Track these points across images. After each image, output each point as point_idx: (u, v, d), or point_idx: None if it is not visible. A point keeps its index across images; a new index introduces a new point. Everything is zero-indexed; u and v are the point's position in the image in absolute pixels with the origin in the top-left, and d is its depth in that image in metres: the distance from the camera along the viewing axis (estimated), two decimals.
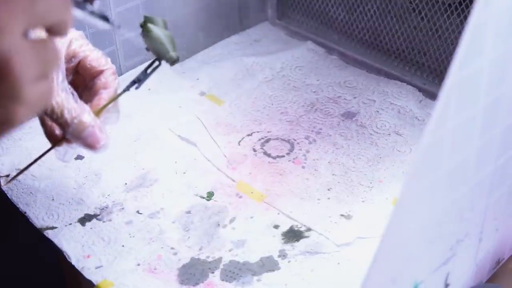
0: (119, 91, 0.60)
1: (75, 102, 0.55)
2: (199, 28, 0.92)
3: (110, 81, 0.60)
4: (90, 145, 0.56)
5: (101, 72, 0.60)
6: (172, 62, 0.57)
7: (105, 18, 0.44)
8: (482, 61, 0.39)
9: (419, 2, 0.80)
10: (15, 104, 0.34)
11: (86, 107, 0.56)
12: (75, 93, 0.56)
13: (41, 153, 0.60)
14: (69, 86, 0.56)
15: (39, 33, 0.37)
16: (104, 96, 0.59)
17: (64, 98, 0.54)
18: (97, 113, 0.57)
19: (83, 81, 0.61)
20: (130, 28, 0.58)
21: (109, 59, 0.61)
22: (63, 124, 0.54)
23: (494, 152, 0.46)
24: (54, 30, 0.37)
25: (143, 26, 0.56)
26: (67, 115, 0.54)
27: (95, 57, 0.60)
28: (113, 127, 0.61)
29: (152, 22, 0.56)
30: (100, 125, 0.56)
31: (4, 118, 0.35)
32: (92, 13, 0.43)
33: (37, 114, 0.48)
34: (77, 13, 0.42)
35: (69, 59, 0.59)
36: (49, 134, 0.58)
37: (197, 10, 0.90)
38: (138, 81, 0.59)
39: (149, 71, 0.59)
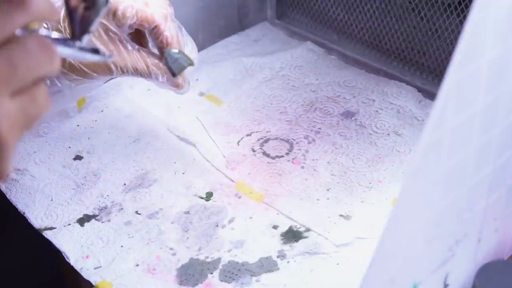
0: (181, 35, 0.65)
1: (144, 54, 0.63)
2: (199, 28, 0.92)
3: (166, 36, 0.63)
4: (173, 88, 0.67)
5: (155, 26, 0.63)
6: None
7: (95, 51, 0.43)
8: (481, 61, 0.39)
9: (418, 2, 0.80)
10: (0, 165, 0.35)
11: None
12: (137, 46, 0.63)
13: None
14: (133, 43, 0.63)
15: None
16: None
17: (140, 61, 0.63)
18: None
19: (142, 33, 0.66)
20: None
21: (156, 15, 0.63)
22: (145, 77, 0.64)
23: (493, 153, 0.46)
24: (42, 79, 0.36)
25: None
26: (143, 75, 0.64)
27: (144, 17, 0.62)
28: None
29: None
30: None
31: None
32: (82, 48, 0.41)
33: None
34: (66, 51, 0.40)
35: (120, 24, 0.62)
36: None
37: (197, 10, 0.90)
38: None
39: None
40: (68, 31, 0.59)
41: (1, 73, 0.33)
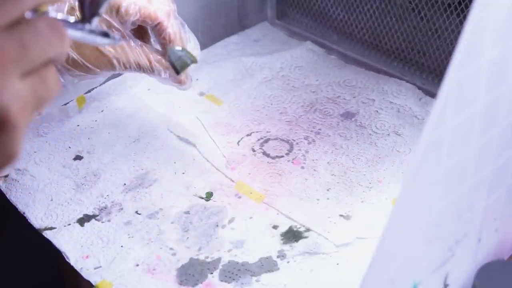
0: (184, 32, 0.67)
1: (146, 49, 0.64)
2: (199, 28, 0.92)
3: (169, 33, 0.64)
4: (175, 84, 0.67)
5: (158, 23, 0.64)
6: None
7: (105, 34, 0.43)
8: (481, 61, 0.39)
9: (418, 2, 0.80)
10: (11, 146, 0.34)
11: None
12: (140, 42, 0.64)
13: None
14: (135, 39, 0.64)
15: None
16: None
17: (143, 57, 0.63)
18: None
19: (145, 29, 0.67)
20: None
21: (159, 12, 0.64)
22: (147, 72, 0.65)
23: (493, 153, 0.46)
24: (53, 62, 0.36)
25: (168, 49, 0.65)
26: (146, 71, 0.64)
27: (147, 14, 0.63)
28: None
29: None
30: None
31: (4, 158, 0.35)
32: (91, 31, 0.41)
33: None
34: (76, 34, 0.40)
35: (123, 21, 0.63)
36: None
37: (197, 10, 0.90)
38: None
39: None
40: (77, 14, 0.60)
41: (12, 54, 0.33)
